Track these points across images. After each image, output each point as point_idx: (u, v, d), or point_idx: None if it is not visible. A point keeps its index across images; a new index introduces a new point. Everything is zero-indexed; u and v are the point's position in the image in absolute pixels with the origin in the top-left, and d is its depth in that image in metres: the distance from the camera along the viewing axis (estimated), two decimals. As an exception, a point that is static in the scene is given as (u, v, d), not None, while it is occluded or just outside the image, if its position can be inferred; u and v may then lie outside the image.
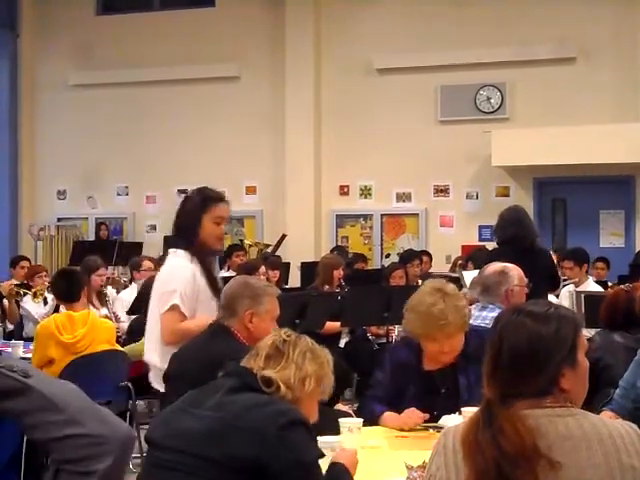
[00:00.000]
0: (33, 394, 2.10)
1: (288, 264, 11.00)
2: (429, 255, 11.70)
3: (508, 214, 7.22)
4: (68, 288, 6.36)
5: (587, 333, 7.59)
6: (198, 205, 4.61)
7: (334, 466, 2.93)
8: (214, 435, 2.61)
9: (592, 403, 4.78)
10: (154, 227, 14.55)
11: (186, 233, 4.63)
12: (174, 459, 2.64)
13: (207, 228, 4.58)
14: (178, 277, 4.52)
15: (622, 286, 5.64)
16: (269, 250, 11.75)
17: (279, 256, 10.77)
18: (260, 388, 2.71)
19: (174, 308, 4.46)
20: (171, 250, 4.74)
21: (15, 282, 8.79)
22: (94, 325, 6.17)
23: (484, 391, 2.26)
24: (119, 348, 6.53)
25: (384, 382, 4.15)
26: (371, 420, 3.97)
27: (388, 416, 3.98)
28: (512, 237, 6.91)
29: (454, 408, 3.79)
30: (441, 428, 3.70)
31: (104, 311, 8.05)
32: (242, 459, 2.57)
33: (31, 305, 8.47)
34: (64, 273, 6.87)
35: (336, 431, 3.53)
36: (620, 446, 2.17)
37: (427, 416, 3.91)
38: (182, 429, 2.68)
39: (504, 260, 5.19)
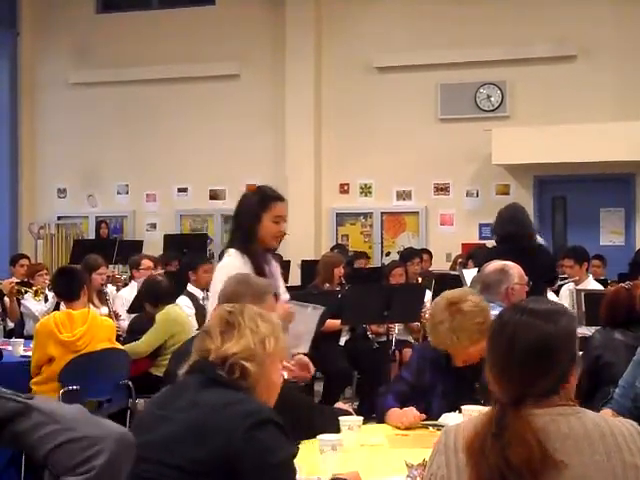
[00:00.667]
0: (33, 412, 2.13)
1: (288, 262, 11.00)
2: (429, 253, 11.70)
3: (506, 212, 7.23)
4: (68, 286, 6.36)
5: (587, 331, 7.61)
6: (257, 204, 4.63)
7: None
8: (184, 440, 2.57)
9: (593, 401, 4.80)
10: (154, 225, 14.56)
11: (245, 232, 4.65)
12: (149, 469, 2.60)
13: (267, 227, 4.62)
14: (224, 278, 4.54)
15: (623, 284, 5.64)
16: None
17: (279, 254, 10.76)
18: (226, 381, 2.66)
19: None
20: (226, 250, 4.77)
21: (15, 280, 8.79)
22: (94, 323, 6.17)
23: (494, 393, 2.24)
24: (119, 346, 6.52)
25: (407, 379, 4.16)
26: (381, 413, 4.02)
27: (392, 412, 3.99)
28: (509, 235, 6.92)
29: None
30: (441, 426, 3.71)
31: (104, 310, 8.04)
32: (211, 463, 2.53)
33: (32, 303, 8.48)
34: (64, 271, 6.87)
35: (336, 429, 3.54)
36: (622, 444, 2.17)
37: (424, 416, 3.91)
38: (154, 437, 2.63)
39: (503, 258, 5.18)
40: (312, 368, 4.71)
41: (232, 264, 4.58)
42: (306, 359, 4.71)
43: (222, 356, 2.68)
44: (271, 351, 2.73)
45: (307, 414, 3.68)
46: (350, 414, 3.85)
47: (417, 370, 4.16)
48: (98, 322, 6.25)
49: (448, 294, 4.13)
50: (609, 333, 5.38)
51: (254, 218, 4.61)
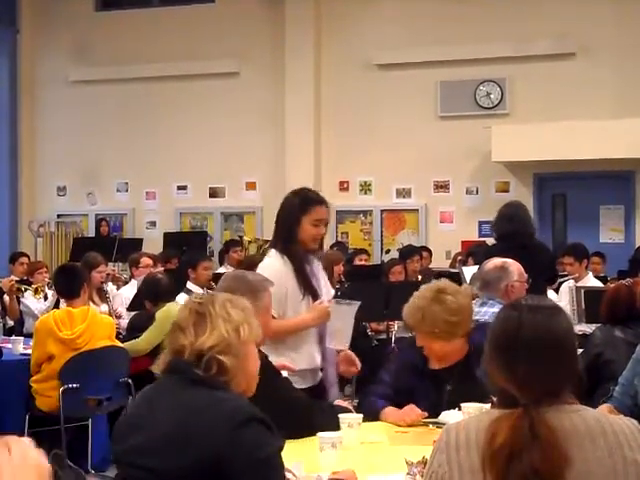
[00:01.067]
0: None
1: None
2: (429, 251, 11.70)
3: (507, 209, 7.24)
4: (69, 284, 6.37)
5: (587, 328, 7.61)
6: (297, 206, 4.64)
7: None
8: (168, 446, 2.54)
9: (593, 399, 4.80)
10: (154, 223, 14.55)
11: (286, 233, 4.66)
12: (135, 474, 2.59)
13: (306, 230, 4.61)
14: None
15: (623, 281, 5.65)
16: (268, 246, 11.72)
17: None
18: (204, 380, 2.63)
19: None
20: (268, 250, 4.82)
21: (15, 278, 8.78)
22: (93, 321, 6.17)
23: (507, 395, 2.21)
24: (119, 344, 6.52)
25: (388, 381, 4.17)
26: (371, 414, 3.98)
27: (389, 411, 3.99)
28: (509, 233, 6.92)
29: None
30: (441, 424, 3.71)
31: (104, 307, 8.04)
32: (198, 467, 2.51)
33: (31, 301, 8.48)
34: (65, 269, 6.87)
35: (336, 426, 3.53)
36: (623, 441, 2.18)
37: (425, 414, 3.91)
38: (138, 443, 2.61)
39: (503, 256, 5.19)
40: (358, 363, 4.73)
41: (272, 265, 4.60)
42: (352, 354, 4.78)
43: (197, 351, 2.64)
44: (245, 338, 2.70)
45: (306, 412, 3.68)
46: (350, 411, 3.85)
47: (395, 371, 4.18)
48: (98, 320, 6.26)
49: (447, 284, 4.15)
50: (609, 330, 5.39)
51: (294, 220, 4.62)
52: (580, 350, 4.69)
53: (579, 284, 8.33)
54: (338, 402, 4.24)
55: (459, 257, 10.90)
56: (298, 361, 4.41)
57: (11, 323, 8.75)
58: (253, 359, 2.77)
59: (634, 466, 2.16)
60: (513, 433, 2.13)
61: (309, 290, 4.62)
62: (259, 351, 3.72)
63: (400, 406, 4.00)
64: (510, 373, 2.21)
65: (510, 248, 6.27)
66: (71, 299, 6.29)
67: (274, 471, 2.58)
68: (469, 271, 6.90)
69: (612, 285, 6.47)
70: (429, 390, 4.03)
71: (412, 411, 3.91)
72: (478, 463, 2.17)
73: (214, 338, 2.65)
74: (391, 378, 4.17)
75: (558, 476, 2.11)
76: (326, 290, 4.83)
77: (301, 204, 4.64)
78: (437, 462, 2.25)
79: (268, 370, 3.70)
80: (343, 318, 4.73)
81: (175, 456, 2.53)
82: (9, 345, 7.04)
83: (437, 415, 3.89)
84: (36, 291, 8.29)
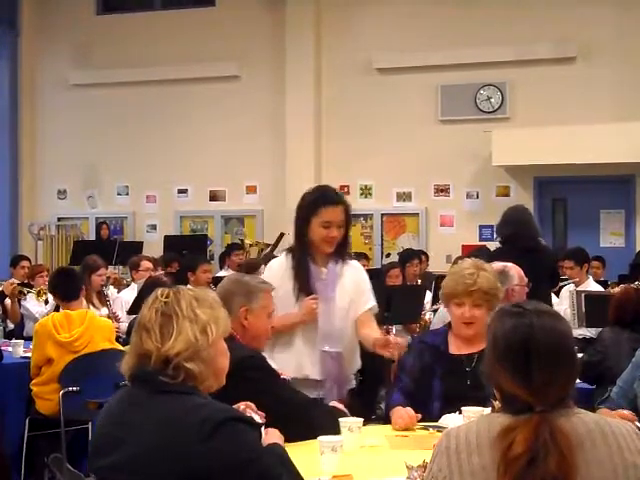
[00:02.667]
0: None
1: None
2: (426, 255, 11.68)
3: (510, 213, 7.24)
4: (66, 287, 6.36)
5: (587, 332, 7.61)
6: (309, 206, 4.47)
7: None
8: (146, 461, 2.50)
9: (592, 400, 4.81)
10: (154, 227, 14.56)
11: (296, 233, 4.54)
12: None
13: (315, 231, 4.44)
14: (266, 276, 4.43)
15: (632, 285, 5.68)
16: (269, 249, 11.75)
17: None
18: (172, 388, 2.57)
19: None
20: None
21: (16, 281, 8.77)
22: (92, 324, 6.16)
23: (533, 402, 2.19)
24: (119, 347, 6.51)
25: (409, 365, 4.20)
26: (387, 410, 4.06)
27: (395, 410, 3.99)
28: (512, 236, 6.92)
29: (481, 391, 3.79)
30: (441, 428, 3.71)
31: (104, 311, 8.03)
32: (181, 478, 2.47)
33: (32, 304, 8.47)
34: (62, 272, 6.86)
35: (334, 424, 3.53)
36: (622, 444, 2.18)
37: (419, 416, 3.90)
38: (114, 460, 2.56)
39: (505, 259, 5.19)
40: (396, 341, 4.41)
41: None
42: (385, 337, 4.46)
43: (164, 358, 2.58)
44: (214, 337, 2.62)
45: (308, 413, 3.66)
46: (346, 414, 3.83)
47: (419, 352, 4.21)
48: (96, 323, 6.25)
49: (470, 259, 4.46)
50: (616, 333, 5.41)
51: (303, 220, 4.48)
52: (580, 354, 4.68)
53: (579, 288, 8.34)
54: (333, 403, 4.15)
55: (459, 261, 10.87)
56: (285, 367, 4.22)
57: (11, 326, 8.75)
58: (222, 355, 2.69)
59: (634, 469, 2.16)
60: (534, 440, 2.12)
61: (304, 292, 4.45)
62: (259, 355, 3.73)
63: (422, 388, 4.06)
64: (524, 380, 2.19)
65: (513, 251, 6.27)
66: (68, 302, 6.28)
67: (263, 464, 2.53)
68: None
69: (620, 288, 6.48)
70: (450, 371, 4.08)
71: (406, 414, 3.90)
72: (479, 467, 2.17)
73: (181, 343, 2.57)
74: (414, 359, 4.19)
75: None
76: (348, 299, 4.55)
77: (311, 204, 4.47)
78: (437, 466, 2.24)
79: (267, 373, 3.69)
80: (335, 318, 4.52)
81: (154, 471, 2.49)
82: (9, 348, 7.04)
83: (458, 398, 3.88)
84: (39, 294, 8.29)
